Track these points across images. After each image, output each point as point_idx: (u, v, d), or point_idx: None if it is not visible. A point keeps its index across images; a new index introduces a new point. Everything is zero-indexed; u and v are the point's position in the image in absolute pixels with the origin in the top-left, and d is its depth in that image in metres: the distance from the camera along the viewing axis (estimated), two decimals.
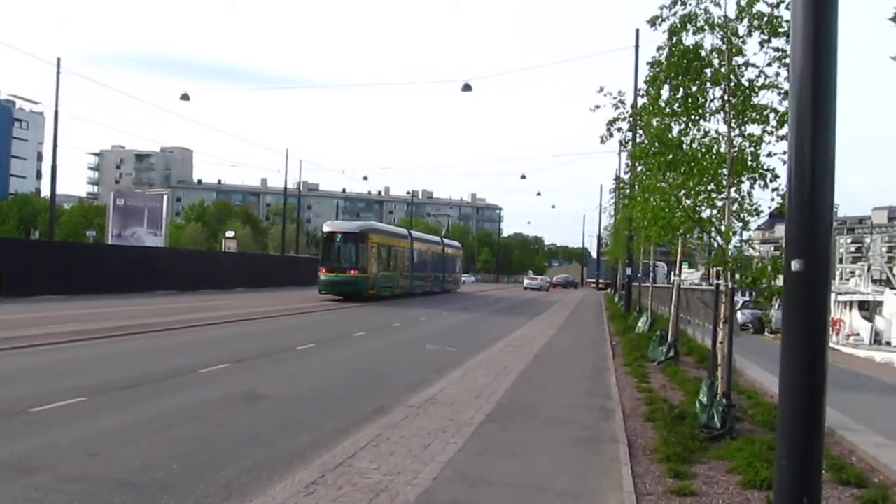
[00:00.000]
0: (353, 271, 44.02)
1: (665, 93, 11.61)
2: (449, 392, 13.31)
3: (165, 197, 67.47)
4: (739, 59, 11.29)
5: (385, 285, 48.37)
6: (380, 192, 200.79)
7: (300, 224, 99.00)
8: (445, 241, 70.18)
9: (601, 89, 12.21)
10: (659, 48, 11.66)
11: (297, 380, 14.48)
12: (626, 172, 17.89)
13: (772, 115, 11.23)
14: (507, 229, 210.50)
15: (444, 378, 15.14)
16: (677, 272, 19.59)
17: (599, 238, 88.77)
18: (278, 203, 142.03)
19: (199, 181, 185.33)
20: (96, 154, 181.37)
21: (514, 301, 55.33)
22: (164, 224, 64.10)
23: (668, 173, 11.97)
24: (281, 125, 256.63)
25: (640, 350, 20.18)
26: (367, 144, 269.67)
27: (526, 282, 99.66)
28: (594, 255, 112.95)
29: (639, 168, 14.03)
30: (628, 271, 39.07)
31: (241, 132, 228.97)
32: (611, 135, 12.16)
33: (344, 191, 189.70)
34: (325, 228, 47.07)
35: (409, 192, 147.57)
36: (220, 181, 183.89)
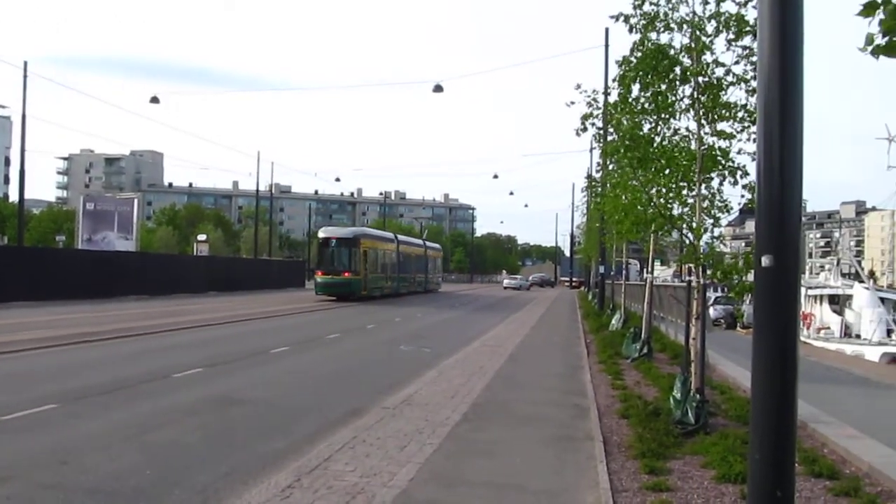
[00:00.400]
0: (347, 273, 47.15)
1: (635, 91, 11.64)
2: (424, 393, 13.29)
3: (136, 201, 66.97)
4: (708, 57, 11.35)
5: (375, 286, 51.41)
6: (352, 194, 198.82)
7: (273, 227, 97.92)
8: (427, 243, 73.04)
9: (578, 86, 12.33)
10: (631, 49, 11.68)
11: (271, 383, 14.39)
12: (597, 171, 17.62)
13: (741, 113, 11.30)
14: (481, 229, 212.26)
15: (420, 379, 15.10)
16: (650, 269, 19.71)
17: (572, 236, 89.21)
18: (250, 206, 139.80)
19: (170, 184, 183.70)
20: (65, 158, 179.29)
21: (491, 300, 55.99)
22: (134, 228, 63.58)
23: (639, 170, 11.97)
24: (252, 128, 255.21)
25: (614, 347, 20.20)
26: (339, 146, 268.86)
27: (505, 281, 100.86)
28: (567, 253, 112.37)
29: (610, 166, 14.07)
30: (601, 269, 39.14)
31: (212, 135, 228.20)
32: (585, 129, 12.26)
33: (316, 192, 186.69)
34: (321, 234, 49.79)
35: (381, 194, 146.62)
36: (191, 184, 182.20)
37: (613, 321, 26.96)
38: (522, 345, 22.17)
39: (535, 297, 66.55)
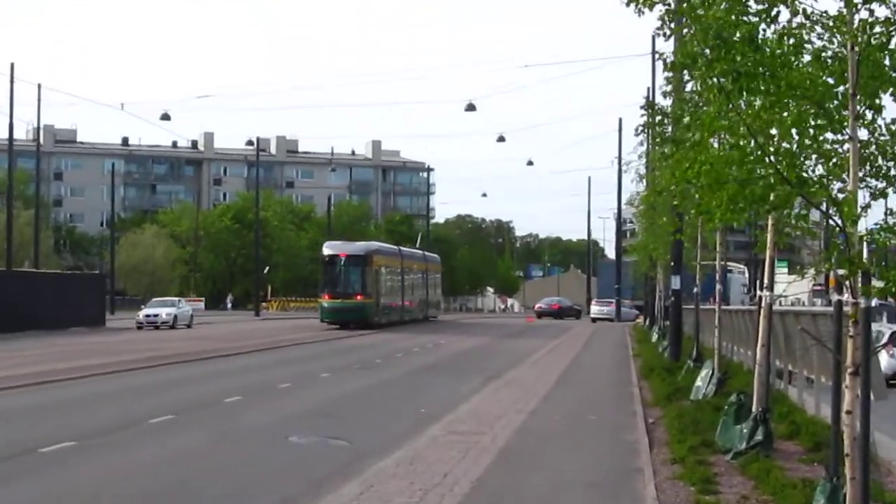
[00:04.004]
0: (359, 297, 45.14)
1: None
2: None
3: None
4: None
5: (385, 312, 48.74)
6: (195, 144, 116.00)
7: (40, 209, 55.04)
8: (426, 255, 64.98)
9: None
10: None
11: None
12: (665, 94, 12.30)
13: None
14: (444, 208, 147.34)
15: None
16: (765, 282, 12.33)
17: (619, 221, 63.20)
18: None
19: None
20: None
21: (513, 332, 45.38)
22: None
23: (741, 97, 7.63)
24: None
25: (701, 431, 13.41)
26: (167, 53, 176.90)
27: (594, 309, 66.55)
28: (612, 253, 79.72)
29: (689, 85, 9.67)
30: (674, 283, 26.04)
31: None
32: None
33: (126, 143, 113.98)
34: (326, 251, 47.67)
35: (250, 143, 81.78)
36: None
37: (699, 381, 17.69)
38: (528, 430, 14.64)
39: (556, 332, 46.38)
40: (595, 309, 66.82)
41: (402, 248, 60.58)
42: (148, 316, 45.54)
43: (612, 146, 70.91)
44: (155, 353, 27.95)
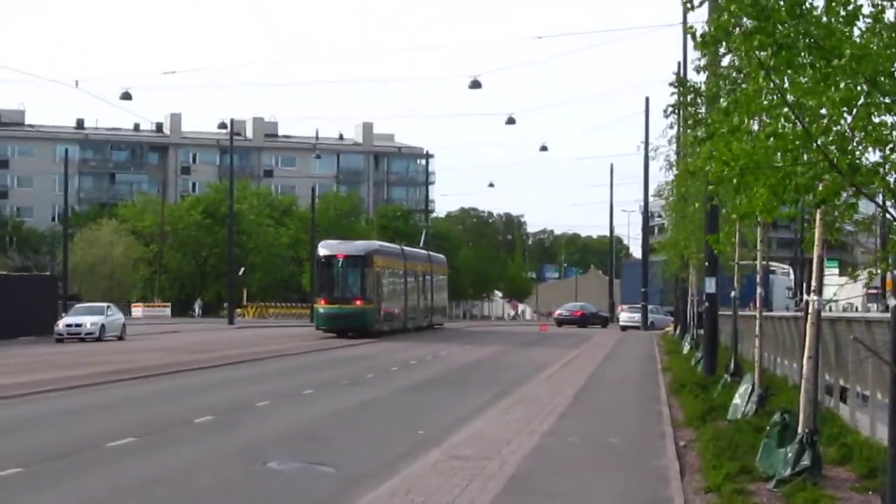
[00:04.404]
0: (358, 301, 46.51)
1: None
2: None
3: None
4: None
5: (387, 319, 50.38)
6: (159, 127, 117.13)
7: None
8: (431, 255, 66.59)
9: None
10: None
11: None
12: (698, 70, 12.77)
13: None
14: (444, 201, 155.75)
15: None
16: (813, 284, 12.60)
17: (646, 215, 63.36)
18: None
19: None
20: None
21: (525, 342, 46.57)
22: None
23: (784, 70, 8.01)
24: None
25: (740, 455, 13.68)
26: (123, 31, 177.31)
27: (624, 316, 69.67)
28: (638, 252, 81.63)
29: (725, 59, 10.09)
30: (709, 286, 26.52)
31: None
32: None
33: (81, 125, 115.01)
34: (321, 251, 48.99)
35: (222, 126, 78.96)
36: None
37: (737, 398, 17.89)
38: (539, 455, 14.83)
39: (572, 342, 48.36)
40: (625, 316, 67.97)
41: (404, 247, 61.97)
42: (69, 326, 42.91)
43: (638, 129, 71.73)
44: (114, 368, 28.16)
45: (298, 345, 41.46)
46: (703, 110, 11.83)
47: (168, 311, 78.74)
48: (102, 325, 43.26)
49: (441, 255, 71.14)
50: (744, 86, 8.70)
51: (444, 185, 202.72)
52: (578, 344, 44.02)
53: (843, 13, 7.75)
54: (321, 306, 47.22)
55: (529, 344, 45.66)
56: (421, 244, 72.42)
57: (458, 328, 67.08)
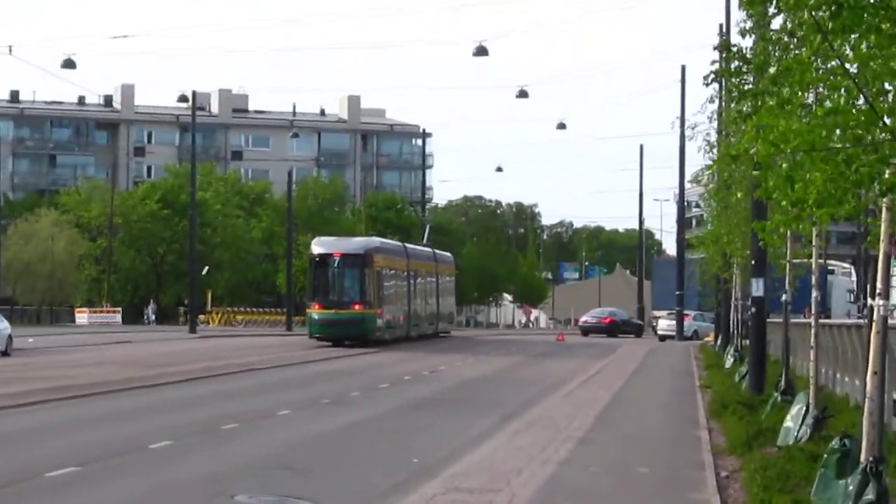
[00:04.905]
0: (357, 306, 48.14)
1: None
2: None
3: None
4: None
5: (389, 326, 52.27)
6: (108, 101, 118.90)
7: None
8: (437, 253, 67.55)
9: None
10: None
11: None
12: (744, 33, 12.81)
13: None
14: (445, 187, 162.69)
15: None
16: (878, 287, 12.72)
17: (682, 205, 65.09)
18: None
19: None
20: None
21: (540, 353, 48.24)
22: None
23: (844, 34, 8.10)
24: None
25: (792, 487, 14.19)
26: None
27: (663, 324, 70.44)
28: (672, 249, 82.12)
29: (776, 22, 10.44)
30: (756, 288, 26.70)
31: None
32: None
33: (17, 98, 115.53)
34: (315, 249, 50.53)
35: (183, 99, 77.78)
36: None
37: (789, 421, 18.33)
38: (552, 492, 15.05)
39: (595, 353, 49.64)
40: (664, 324, 68.63)
41: (407, 245, 63.82)
42: None
43: (673, 104, 72.57)
44: (53, 385, 28.32)
45: (279, 356, 42.20)
46: (749, 81, 12.03)
47: (118, 317, 79.13)
48: None
49: (447, 254, 72.16)
50: (796, 52, 8.82)
51: (444, 169, 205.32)
52: (602, 356, 45.11)
53: None
54: (315, 311, 48.42)
55: (545, 356, 47.18)
56: (423, 240, 72.32)
57: (467, 337, 69.17)
